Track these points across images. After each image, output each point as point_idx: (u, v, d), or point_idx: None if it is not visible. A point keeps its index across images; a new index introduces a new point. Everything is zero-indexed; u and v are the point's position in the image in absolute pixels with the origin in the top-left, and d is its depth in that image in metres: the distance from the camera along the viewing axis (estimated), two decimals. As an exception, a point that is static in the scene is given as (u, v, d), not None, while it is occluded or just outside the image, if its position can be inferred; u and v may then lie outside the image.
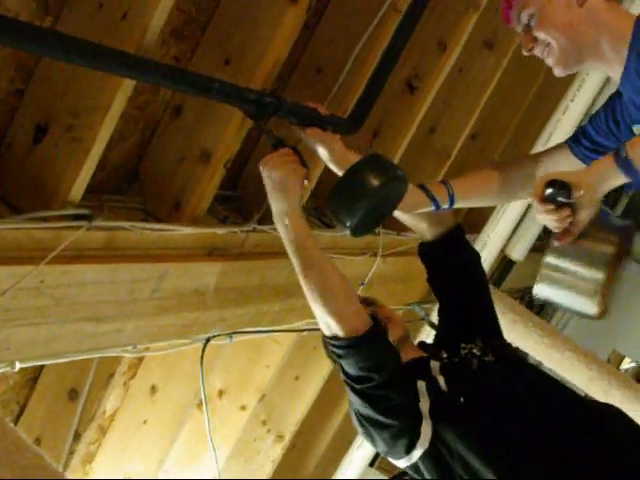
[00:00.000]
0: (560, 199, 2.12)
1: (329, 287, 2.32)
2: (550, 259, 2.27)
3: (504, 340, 2.74)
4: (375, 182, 2.28)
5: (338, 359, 2.34)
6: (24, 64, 2.19)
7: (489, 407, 2.32)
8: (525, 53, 2.40)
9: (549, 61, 2.38)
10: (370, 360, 2.31)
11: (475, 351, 2.48)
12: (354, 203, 2.29)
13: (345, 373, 2.35)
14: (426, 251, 2.75)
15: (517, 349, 4.32)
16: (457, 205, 2.66)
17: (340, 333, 2.30)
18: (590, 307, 2.25)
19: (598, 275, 2.22)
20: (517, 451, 2.24)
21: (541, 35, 2.33)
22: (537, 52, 2.38)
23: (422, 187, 2.59)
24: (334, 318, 2.30)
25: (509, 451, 2.24)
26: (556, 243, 2.21)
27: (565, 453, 2.23)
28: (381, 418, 2.30)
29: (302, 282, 2.34)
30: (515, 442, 2.25)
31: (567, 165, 2.57)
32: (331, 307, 2.31)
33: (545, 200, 2.16)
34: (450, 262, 2.70)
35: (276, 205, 2.34)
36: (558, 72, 2.39)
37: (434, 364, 2.42)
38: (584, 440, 2.27)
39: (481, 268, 2.82)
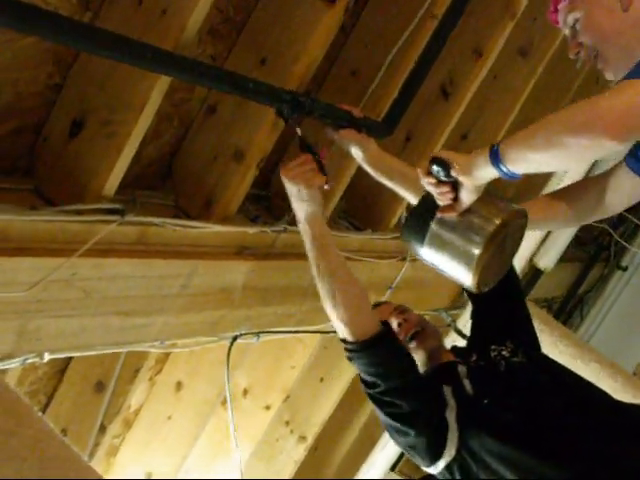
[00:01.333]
0: (440, 176, 2.18)
1: (340, 292, 2.36)
2: (435, 227, 2.30)
3: (539, 346, 2.73)
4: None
5: (349, 361, 2.38)
6: (63, 59, 2.21)
7: (513, 406, 2.31)
8: (572, 56, 2.39)
9: (599, 66, 2.36)
10: (374, 366, 2.35)
11: (504, 353, 2.48)
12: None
13: (362, 380, 2.38)
14: None
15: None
16: (529, 228, 2.66)
17: (348, 337, 2.36)
18: (466, 279, 2.27)
19: (475, 250, 2.24)
20: (541, 451, 2.24)
21: (585, 39, 2.32)
22: (583, 56, 2.37)
23: None
24: (343, 322, 2.35)
25: (532, 451, 2.23)
26: (439, 215, 2.25)
27: (592, 454, 2.23)
28: (398, 425, 2.32)
29: (318, 284, 2.40)
30: (539, 442, 2.24)
31: (630, 183, 2.55)
32: (340, 311, 2.35)
33: (429, 174, 2.21)
34: None
35: (296, 211, 2.40)
36: (609, 76, 2.37)
37: (462, 368, 2.43)
38: (615, 441, 2.26)
39: (514, 269, 2.80)
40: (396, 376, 2.34)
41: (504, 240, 2.28)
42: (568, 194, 2.70)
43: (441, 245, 2.28)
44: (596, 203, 2.60)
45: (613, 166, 2.62)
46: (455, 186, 2.21)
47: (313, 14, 2.51)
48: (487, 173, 2.14)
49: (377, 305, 2.79)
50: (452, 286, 4.65)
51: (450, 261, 2.28)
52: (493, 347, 2.51)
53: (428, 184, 2.22)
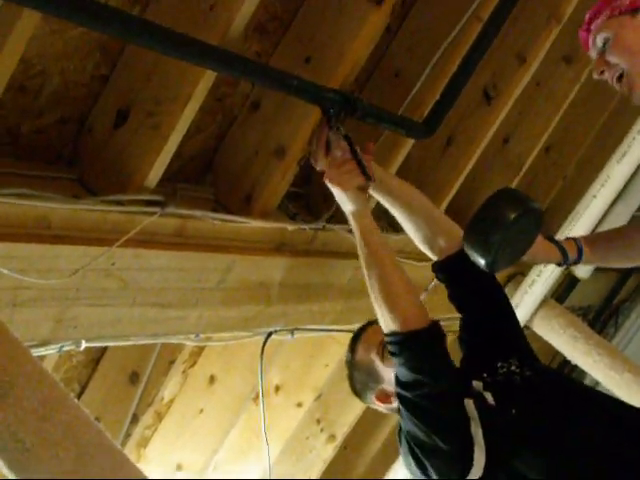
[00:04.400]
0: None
1: (389, 282, 2.35)
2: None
3: (536, 357, 2.71)
4: (511, 214, 2.28)
5: (393, 357, 2.35)
6: (110, 50, 2.23)
7: (542, 417, 2.30)
8: (595, 76, 2.39)
9: (624, 89, 2.35)
10: (422, 360, 2.30)
11: (514, 368, 2.46)
12: (488, 237, 2.29)
13: (398, 382, 2.34)
14: (442, 268, 2.65)
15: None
16: (585, 262, 2.67)
17: (398, 328, 2.31)
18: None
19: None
20: (573, 461, 2.23)
21: (613, 59, 2.31)
22: (607, 76, 2.36)
23: (550, 239, 2.61)
24: (393, 312, 2.32)
25: (565, 460, 2.23)
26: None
27: (619, 460, 2.23)
28: (430, 439, 2.25)
29: (366, 279, 2.39)
30: (570, 451, 2.24)
31: None
32: (391, 301, 2.33)
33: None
34: (470, 276, 2.58)
35: (343, 209, 2.43)
36: (634, 99, 2.36)
37: (477, 383, 2.40)
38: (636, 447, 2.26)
39: (499, 282, 2.76)
40: (443, 378, 2.30)
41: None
42: (621, 236, 2.73)
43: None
44: None
45: None
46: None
47: (359, 14, 2.51)
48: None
49: (372, 323, 2.65)
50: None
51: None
52: (499, 364, 2.48)
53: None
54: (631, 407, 2.51)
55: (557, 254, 2.60)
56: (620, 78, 2.32)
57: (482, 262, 2.34)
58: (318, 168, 2.47)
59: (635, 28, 2.28)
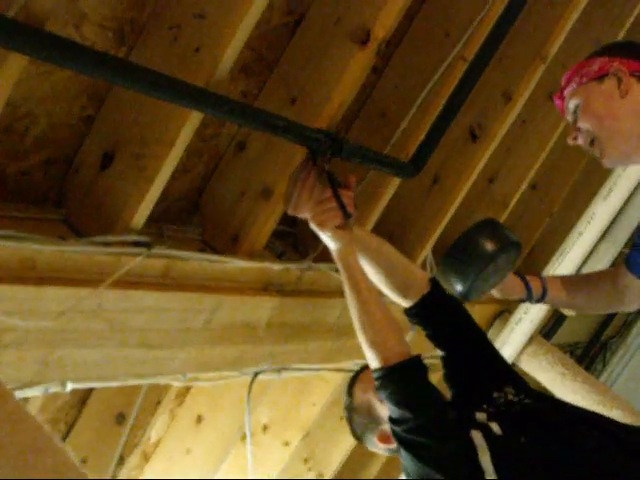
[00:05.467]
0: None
1: (371, 319, 2.36)
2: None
3: (527, 382, 2.71)
4: (491, 248, 2.29)
5: (378, 392, 2.35)
6: (96, 92, 2.24)
7: (550, 442, 2.29)
8: (570, 142, 2.44)
9: (595, 152, 2.39)
10: (403, 394, 2.30)
11: (511, 397, 2.47)
12: (467, 267, 2.30)
13: (389, 418, 2.34)
14: (414, 311, 2.67)
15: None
16: (546, 302, 2.70)
17: (380, 364, 2.33)
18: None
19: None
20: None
21: (583, 125, 2.36)
22: (580, 141, 2.41)
23: (518, 274, 2.63)
24: (376, 348, 2.34)
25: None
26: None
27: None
28: (428, 471, 2.22)
29: (351, 316, 2.41)
30: (581, 472, 2.23)
31: (638, 285, 2.61)
32: (373, 337, 2.35)
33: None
34: (443, 312, 2.65)
35: (328, 247, 2.45)
36: (605, 164, 2.41)
37: (480, 415, 2.40)
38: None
39: (470, 316, 2.76)
40: (426, 409, 2.29)
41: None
42: (587, 283, 2.76)
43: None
44: (611, 297, 2.69)
45: (617, 267, 2.67)
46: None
47: (345, 54, 2.53)
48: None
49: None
50: (484, 319, 4.66)
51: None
52: (496, 394, 2.48)
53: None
54: (627, 426, 2.54)
55: (522, 290, 2.63)
56: (592, 143, 2.37)
57: (457, 289, 2.35)
58: (291, 211, 2.46)
59: (602, 94, 2.33)
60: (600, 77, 2.34)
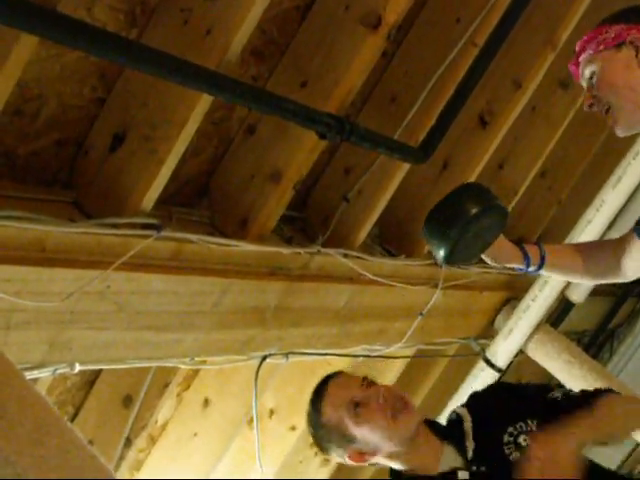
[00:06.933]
0: None
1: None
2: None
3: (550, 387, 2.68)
4: (473, 209, 2.25)
5: None
6: (107, 74, 2.23)
7: None
8: (585, 109, 2.41)
9: (609, 121, 2.38)
10: None
11: (520, 440, 2.38)
12: (447, 230, 2.27)
13: None
14: None
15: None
16: (545, 271, 2.67)
17: None
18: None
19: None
20: None
21: (599, 93, 2.34)
22: (596, 109, 2.39)
23: (517, 243, 2.61)
24: None
25: None
26: None
27: None
28: None
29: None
30: None
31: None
32: None
33: None
34: None
35: None
36: (617, 132, 2.39)
37: (462, 474, 2.33)
38: None
39: None
40: None
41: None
42: (587, 251, 2.73)
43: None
44: (611, 266, 2.65)
45: (626, 234, 2.64)
46: None
47: (356, 39, 2.53)
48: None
49: (334, 376, 2.61)
50: (482, 315, 4.64)
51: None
52: (510, 430, 2.40)
53: None
54: None
55: (519, 258, 2.58)
56: (608, 111, 2.34)
57: (439, 252, 2.31)
58: None
59: (620, 62, 2.30)
60: (617, 45, 2.31)
